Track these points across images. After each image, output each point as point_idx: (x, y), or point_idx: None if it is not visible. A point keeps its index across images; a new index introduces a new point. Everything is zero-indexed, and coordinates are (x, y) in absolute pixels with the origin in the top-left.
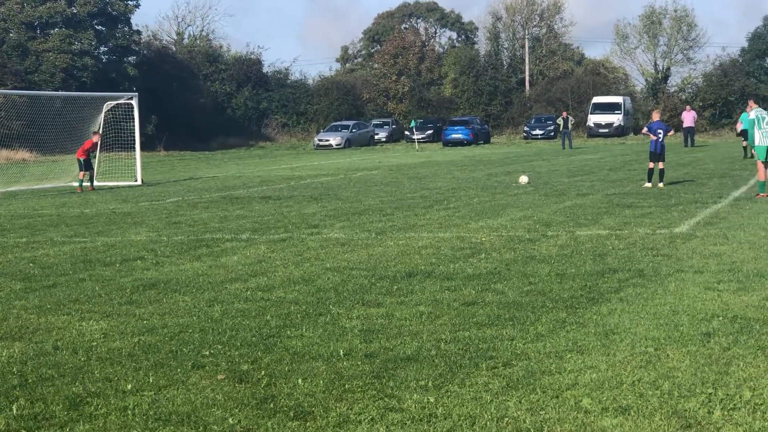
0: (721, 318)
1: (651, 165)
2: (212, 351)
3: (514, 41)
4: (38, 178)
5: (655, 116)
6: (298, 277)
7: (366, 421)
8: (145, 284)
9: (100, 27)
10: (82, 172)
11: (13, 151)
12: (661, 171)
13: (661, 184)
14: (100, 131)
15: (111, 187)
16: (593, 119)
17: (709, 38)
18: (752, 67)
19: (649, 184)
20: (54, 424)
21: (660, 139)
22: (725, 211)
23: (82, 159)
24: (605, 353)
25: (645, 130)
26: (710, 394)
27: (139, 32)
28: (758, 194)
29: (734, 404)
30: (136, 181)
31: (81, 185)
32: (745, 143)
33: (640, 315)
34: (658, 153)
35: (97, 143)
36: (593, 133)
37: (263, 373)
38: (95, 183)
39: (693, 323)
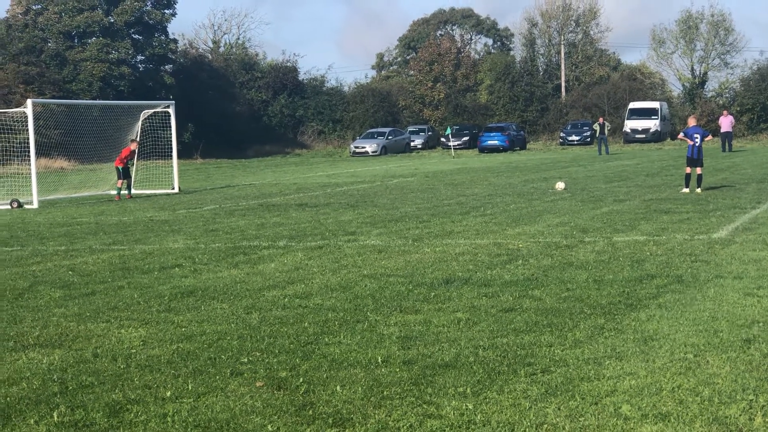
0: (761, 324)
1: (688, 170)
2: (250, 358)
3: (550, 47)
4: (76, 187)
5: (691, 122)
6: (336, 284)
7: (405, 428)
8: (183, 292)
9: (137, 36)
10: (120, 180)
11: (52, 160)
12: (699, 176)
13: (699, 190)
14: (138, 139)
15: (148, 195)
16: (630, 125)
17: (747, 42)
18: None
19: (686, 190)
20: (94, 431)
21: (697, 144)
22: (764, 217)
23: (120, 167)
24: (644, 359)
25: (681, 135)
26: (751, 400)
27: (175, 41)
28: None
29: None
30: (173, 189)
31: (119, 193)
32: None
33: (679, 321)
34: (695, 158)
35: (134, 151)
36: (630, 138)
37: (301, 380)
38: (133, 191)
39: (733, 329)
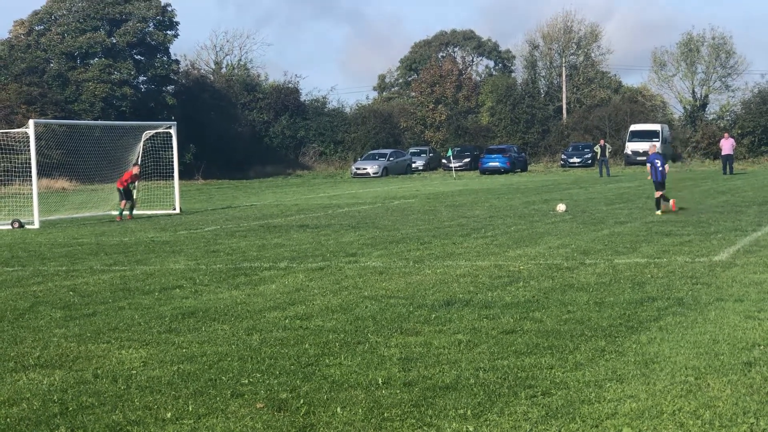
0: (762, 347)
1: (658, 194)
2: (251, 379)
3: (552, 69)
4: (78, 207)
5: (651, 150)
6: (337, 306)
7: None
8: (184, 313)
9: (139, 57)
10: (123, 201)
11: (53, 180)
12: (662, 197)
13: (659, 212)
14: (139, 163)
15: (150, 216)
16: (631, 147)
17: (748, 65)
18: None
19: (660, 212)
20: None
21: (659, 169)
22: (765, 239)
23: (121, 189)
24: (645, 382)
25: (649, 166)
26: (752, 424)
27: (177, 62)
28: None
29: None
30: (174, 209)
31: (121, 214)
32: None
33: (680, 344)
34: (660, 181)
35: (136, 175)
36: (631, 161)
37: (302, 401)
38: (134, 212)
39: (734, 352)
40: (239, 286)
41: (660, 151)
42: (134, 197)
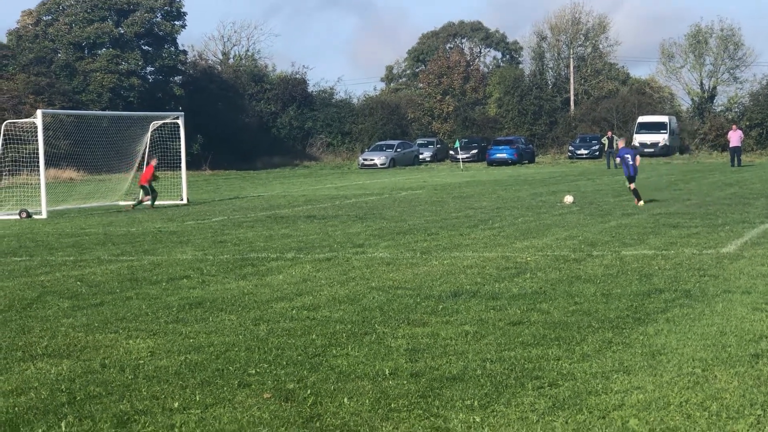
0: None
1: (632, 186)
2: (258, 370)
3: (559, 61)
4: (85, 197)
5: (621, 144)
6: (344, 297)
7: None
8: (192, 303)
9: (146, 47)
10: (147, 197)
11: (61, 170)
12: (634, 191)
13: (641, 203)
14: (147, 151)
15: (157, 207)
16: (639, 139)
17: (757, 57)
18: None
19: (642, 203)
20: None
21: (630, 163)
22: None
23: (145, 185)
24: (652, 374)
25: (618, 160)
26: (759, 415)
27: (185, 52)
28: None
29: None
30: (181, 200)
31: (137, 205)
32: None
33: (687, 336)
34: (632, 175)
35: (156, 166)
36: (639, 152)
37: (309, 391)
38: (137, 203)
39: (741, 344)
40: (246, 277)
41: (634, 145)
42: (155, 189)
